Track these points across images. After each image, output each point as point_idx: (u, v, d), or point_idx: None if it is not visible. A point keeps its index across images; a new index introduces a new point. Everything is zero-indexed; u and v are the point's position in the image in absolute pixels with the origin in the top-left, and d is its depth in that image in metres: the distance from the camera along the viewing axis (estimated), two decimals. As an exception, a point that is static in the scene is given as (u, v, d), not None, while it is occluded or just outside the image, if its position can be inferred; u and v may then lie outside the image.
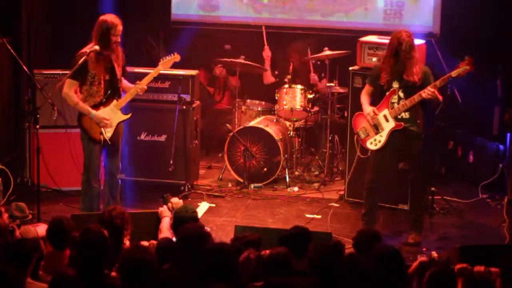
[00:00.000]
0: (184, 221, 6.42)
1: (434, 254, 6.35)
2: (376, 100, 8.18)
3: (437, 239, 8.46)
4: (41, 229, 6.48)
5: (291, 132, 10.34)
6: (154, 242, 6.57)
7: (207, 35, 11.26)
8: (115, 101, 8.20)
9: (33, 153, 9.14)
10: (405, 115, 8.05)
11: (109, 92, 8.15)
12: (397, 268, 5.38)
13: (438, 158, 10.10)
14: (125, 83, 8.34)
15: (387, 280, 5.24)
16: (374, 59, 9.07)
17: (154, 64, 8.92)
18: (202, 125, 10.03)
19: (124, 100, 8.25)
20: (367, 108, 8.15)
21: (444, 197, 9.47)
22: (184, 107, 9.53)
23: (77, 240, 5.72)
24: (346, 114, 9.51)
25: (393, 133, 8.08)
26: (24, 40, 9.94)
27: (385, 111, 8.09)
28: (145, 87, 8.33)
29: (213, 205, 9.27)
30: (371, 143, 8.20)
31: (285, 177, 9.99)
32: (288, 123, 10.38)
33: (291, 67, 10.64)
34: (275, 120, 10.34)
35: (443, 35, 10.38)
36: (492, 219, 9.02)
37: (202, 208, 8.89)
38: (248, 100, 10.58)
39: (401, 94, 8.02)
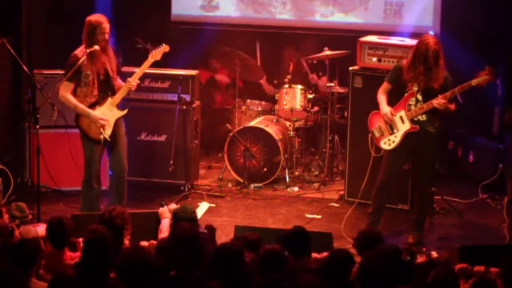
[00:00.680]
0: (183, 221, 6.43)
1: (434, 254, 6.36)
2: (392, 99, 8.17)
3: (437, 239, 8.46)
4: (41, 229, 6.48)
5: (291, 132, 10.34)
6: (154, 242, 6.59)
7: (207, 35, 11.26)
8: (110, 99, 8.20)
9: (33, 153, 9.13)
10: (422, 117, 8.03)
11: (103, 90, 8.16)
12: (401, 267, 5.39)
13: (438, 158, 10.10)
14: (118, 81, 8.35)
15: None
16: (374, 59, 9.07)
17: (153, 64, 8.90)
18: (202, 125, 10.03)
19: (119, 96, 8.25)
20: (385, 108, 8.13)
21: (444, 197, 9.47)
22: (184, 107, 9.53)
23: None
24: (346, 114, 9.51)
25: (408, 135, 8.07)
26: (24, 40, 9.94)
27: (402, 113, 8.08)
28: (138, 81, 8.33)
29: (213, 205, 9.27)
30: (385, 143, 8.19)
31: (285, 177, 9.99)
32: (288, 123, 10.38)
33: (291, 67, 10.64)
34: (275, 120, 10.34)
35: (443, 35, 10.37)
36: (492, 219, 9.02)
37: (202, 208, 8.90)
38: (248, 100, 10.58)
39: (419, 97, 8.00)
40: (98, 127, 8.11)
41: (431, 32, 10.01)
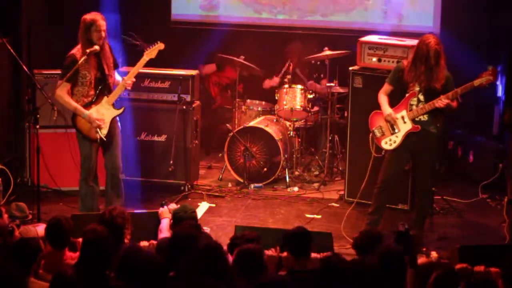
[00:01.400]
0: (183, 221, 6.43)
1: (434, 254, 6.35)
2: (394, 100, 8.17)
3: (437, 239, 8.46)
4: (41, 229, 6.49)
5: (291, 132, 10.33)
6: (154, 242, 6.59)
7: (207, 35, 11.25)
8: (105, 97, 8.20)
9: (33, 153, 9.14)
10: (424, 117, 8.02)
11: (99, 89, 8.16)
12: (400, 269, 5.38)
13: (438, 158, 10.10)
14: (115, 77, 8.35)
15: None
16: (374, 59, 9.07)
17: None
18: (202, 125, 10.03)
19: (114, 95, 8.24)
20: (387, 109, 8.11)
21: (444, 197, 9.47)
22: (184, 107, 9.53)
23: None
24: (346, 114, 9.51)
25: (409, 135, 8.07)
26: (24, 40, 9.94)
27: (403, 112, 8.07)
28: (133, 79, 8.33)
29: (213, 205, 9.27)
30: (386, 143, 8.18)
31: (285, 177, 9.99)
32: (288, 123, 10.38)
33: (291, 67, 10.64)
34: (275, 120, 10.34)
35: (443, 35, 10.37)
36: (492, 219, 9.02)
37: (202, 208, 8.90)
38: (248, 100, 10.58)
39: (421, 97, 7.99)
40: (94, 127, 8.12)
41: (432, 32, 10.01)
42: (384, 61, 9.02)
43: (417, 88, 8.00)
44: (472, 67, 8.61)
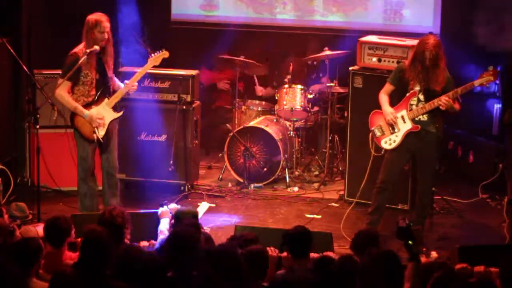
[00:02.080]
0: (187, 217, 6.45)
1: (434, 254, 6.35)
2: (394, 100, 8.16)
3: (437, 239, 8.46)
4: (41, 229, 6.49)
5: (291, 132, 10.33)
6: (154, 242, 6.59)
7: (208, 35, 11.25)
8: (106, 99, 8.21)
9: (33, 153, 9.15)
10: (423, 117, 8.03)
11: (100, 91, 8.16)
12: (393, 271, 5.36)
13: (438, 158, 10.09)
14: (115, 81, 8.36)
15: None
16: (374, 59, 9.07)
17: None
18: (202, 125, 10.03)
19: (115, 98, 8.25)
20: (387, 109, 8.11)
21: (444, 197, 9.47)
22: (184, 107, 9.53)
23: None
24: (346, 114, 9.51)
25: (408, 135, 8.07)
26: (24, 40, 9.94)
27: (403, 112, 8.08)
28: (136, 84, 8.35)
29: (213, 205, 9.27)
30: (386, 142, 8.18)
31: (285, 177, 9.99)
32: (288, 123, 10.38)
33: (291, 67, 10.64)
34: (275, 120, 10.34)
35: (443, 35, 10.37)
36: (492, 219, 9.02)
37: (202, 208, 8.89)
38: (248, 100, 10.59)
39: (421, 97, 7.99)
40: (93, 127, 8.12)
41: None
42: (384, 61, 9.03)
43: (417, 88, 8.00)
44: (472, 67, 8.61)
